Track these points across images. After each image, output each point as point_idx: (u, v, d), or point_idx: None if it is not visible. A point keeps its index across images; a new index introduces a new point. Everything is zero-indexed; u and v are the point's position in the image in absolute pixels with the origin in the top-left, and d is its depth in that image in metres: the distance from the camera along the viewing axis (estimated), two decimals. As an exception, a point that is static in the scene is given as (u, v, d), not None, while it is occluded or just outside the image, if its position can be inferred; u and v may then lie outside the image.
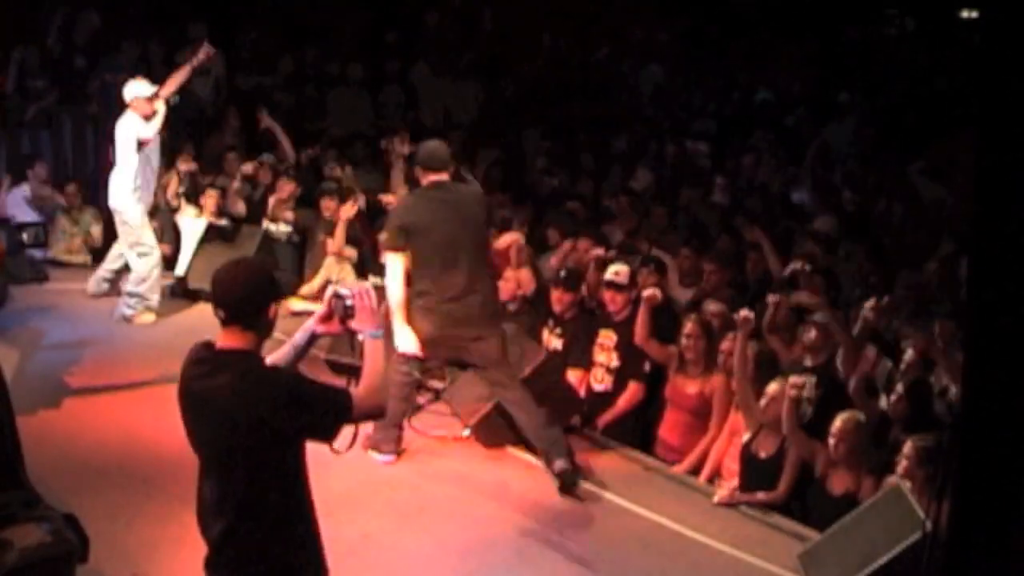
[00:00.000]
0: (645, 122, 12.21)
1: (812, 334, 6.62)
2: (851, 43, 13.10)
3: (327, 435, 3.70)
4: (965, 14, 12.73)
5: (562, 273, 7.78)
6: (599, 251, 8.08)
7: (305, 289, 9.21)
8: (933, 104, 11.18)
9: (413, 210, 6.39)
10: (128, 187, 8.71)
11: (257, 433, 3.53)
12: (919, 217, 9.27)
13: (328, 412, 3.63)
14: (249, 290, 3.64)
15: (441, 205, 6.28)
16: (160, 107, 8.78)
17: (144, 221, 8.89)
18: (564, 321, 7.56)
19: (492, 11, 13.66)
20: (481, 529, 5.99)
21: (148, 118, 8.69)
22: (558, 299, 7.55)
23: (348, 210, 9.02)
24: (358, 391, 3.70)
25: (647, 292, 7.00)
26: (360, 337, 3.82)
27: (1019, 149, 3.13)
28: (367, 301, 3.78)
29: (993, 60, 3.22)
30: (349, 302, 3.80)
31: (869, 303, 6.57)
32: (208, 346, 3.67)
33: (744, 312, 6.48)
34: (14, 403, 5.10)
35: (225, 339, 3.63)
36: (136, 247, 8.81)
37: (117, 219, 8.86)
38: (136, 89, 8.73)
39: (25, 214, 10.32)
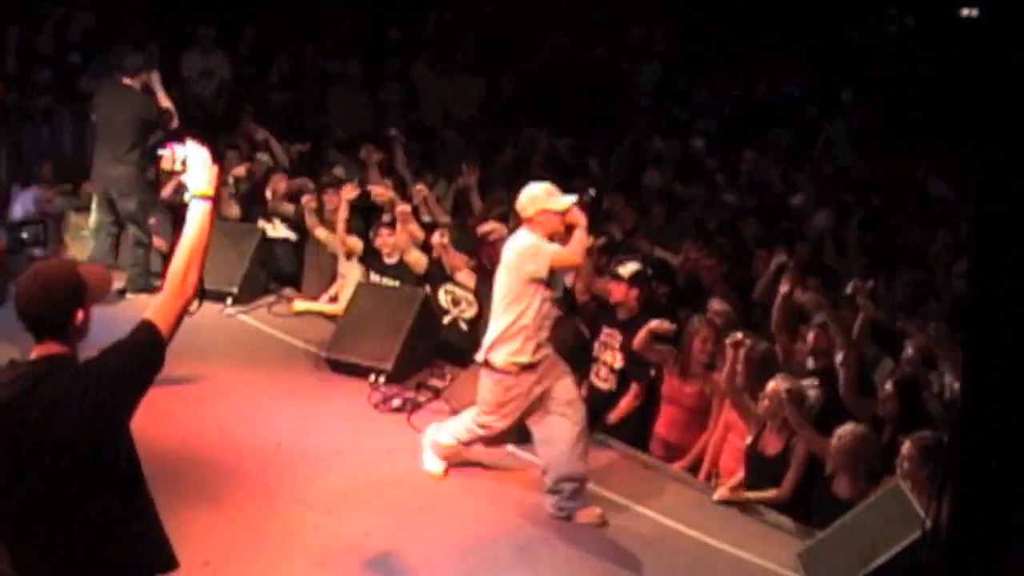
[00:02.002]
0: (645, 120, 12.21)
1: (812, 337, 6.63)
2: (851, 42, 13.10)
3: (156, 370, 3.48)
4: (965, 13, 12.72)
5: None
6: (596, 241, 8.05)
7: (330, 292, 9.23)
8: (933, 103, 11.18)
9: None
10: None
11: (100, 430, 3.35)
12: (922, 214, 9.28)
13: (144, 351, 3.44)
14: (51, 301, 3.40)
15: None
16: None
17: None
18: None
19: (492, 9, 13.66)
20: (481, 528, 5.99)
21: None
22: None
23: (350, 191, 9.01)
24: (156, 300, 3.52)
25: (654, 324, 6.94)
26: (185, 196, 3.59)
27: (1019, 149, 3.13)
28: (201, 156, 3.61)
29: (993, 59, 3.22)
30: (181, 152, 3.61)
31: (859, 290, 6.59)
32: (24, 363, 3.45)
33: (738, 335, 6.48)
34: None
35: (37, 350, 3.43)
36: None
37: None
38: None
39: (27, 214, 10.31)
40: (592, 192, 6.53)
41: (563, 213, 5.97)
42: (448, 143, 11.31)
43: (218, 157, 10.23)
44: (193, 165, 3.61)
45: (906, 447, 5.52)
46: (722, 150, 11.14)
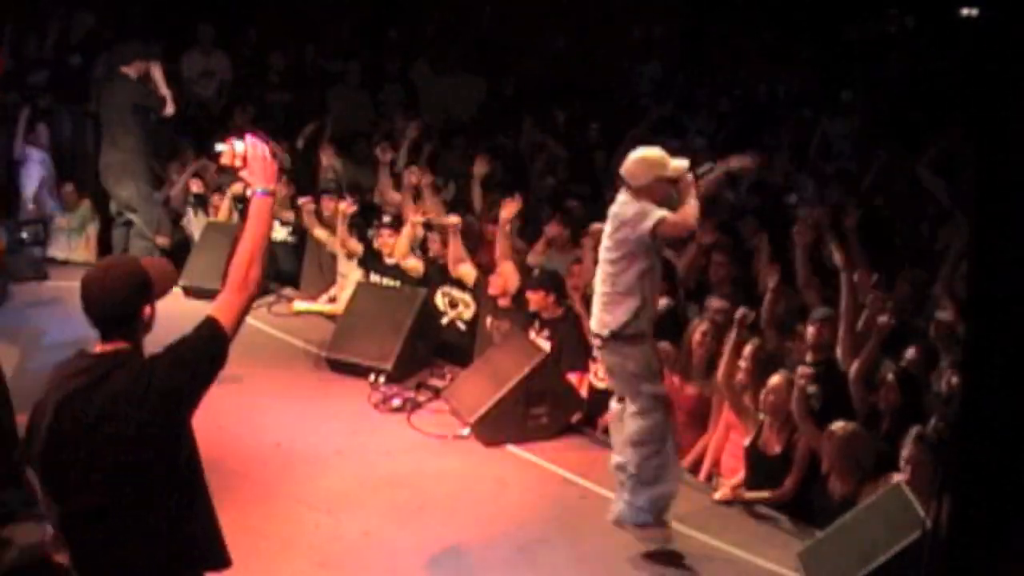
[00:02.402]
0: (645, 120, 12.19)
1: (812, 331, 6.63)
2: (851, 42, 13.09)
3: (219, 367, 3.49)
4: (965, 12, 12.71)
5: (535, 272, 7.79)
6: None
7: (331, 292, 9.22)
8: (933, 102, 11.18)
9: None
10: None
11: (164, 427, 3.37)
12: (921, 213, 9.27)
13: (207, 347, 3.47)
14: (114, 303, 3.45)
15: None
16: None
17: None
18: (548, 321, 7.56)
19: (492, 9, 13.65)
20: (481, 528, 5.99)
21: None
22: (532, 299, 7.54)
23: (347, 208, 9.02)
24: (219, 296, 3.55)
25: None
26: (247, 192, 3.63)
27: (1019, 149, 3.13)
28: (260, 151, 3.61)
29: (993, 58, 3.22)
30: (241, 148, 3.62)
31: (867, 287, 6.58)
32: (85, 356, 3.50)
33: (742, 310, 6.49)
34: (14, 401, 5.09)
35: (101, 345, 3.48)
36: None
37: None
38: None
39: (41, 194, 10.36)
40: (709, 165, 6.04)
41: (676, 181, 5.58)
42: (450, 143, 11.30)
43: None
44: (253, 161, 3.61)
45: (909, 442, 5.52)
46: (722, 150, 11.13)
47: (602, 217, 9.05)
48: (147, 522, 3.39)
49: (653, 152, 5.61)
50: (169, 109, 9.19)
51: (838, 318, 6.58)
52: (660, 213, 5.45)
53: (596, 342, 5.73)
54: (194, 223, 10.22)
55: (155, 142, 9.29)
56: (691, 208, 5.54)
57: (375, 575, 5.57)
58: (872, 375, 6.42)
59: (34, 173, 10.39)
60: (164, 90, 9.06)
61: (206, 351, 3.45)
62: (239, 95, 11.82)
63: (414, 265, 8.63)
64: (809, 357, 6.62)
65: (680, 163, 5.59)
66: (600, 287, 5.61)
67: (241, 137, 3.63)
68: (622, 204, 5.54)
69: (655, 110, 12.05)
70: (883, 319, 6.29)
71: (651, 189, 5.50)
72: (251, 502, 6.06)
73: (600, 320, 5.59)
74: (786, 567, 5.64)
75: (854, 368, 6.27)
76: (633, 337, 5.54)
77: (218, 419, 7.01)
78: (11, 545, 4.45)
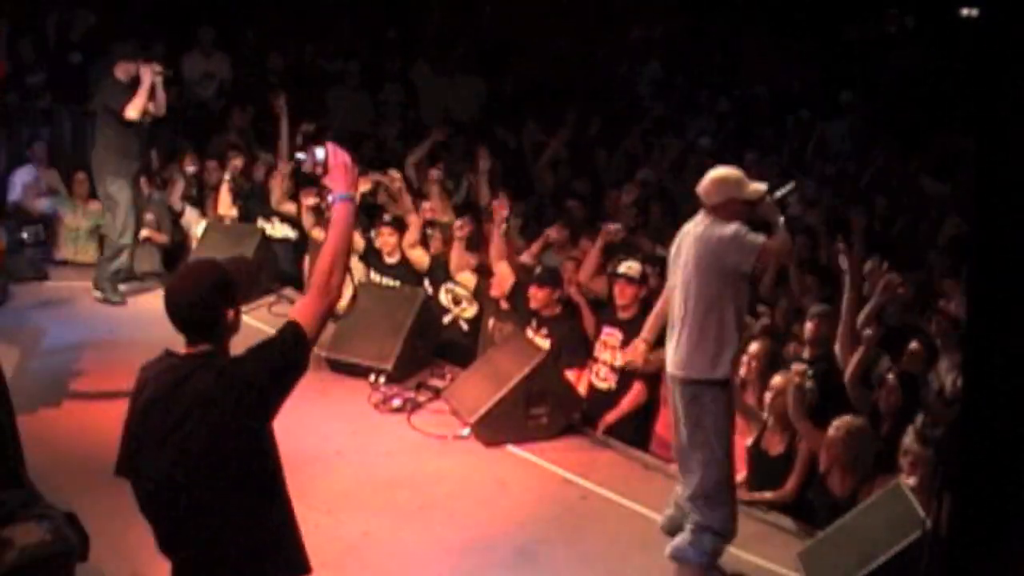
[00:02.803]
0: (645, 119, 12.20)
1: (810, 327, 6.63)
2: (851, 41, 13.10)
3: (300, 371, 3.50)
4: (965, 12, 12.71)
5: (537, 269, 7.79)
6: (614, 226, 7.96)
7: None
8: (933, 102, 11.18)
9: None
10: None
11: (243, 425, 3.42)
12: (919, 213, 9.28)
13: (290, 350, 3.47)
14: (197, 306, 3.46)
15: None
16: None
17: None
18: (548, 319, 7.56)
19: (492, 9, 13.66)
20: (481, 528, 5.99)
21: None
22: (535, 296, 7.54)
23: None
24: (301, 301, 3.61)
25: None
26: (329, 199, 3.66)
27: (1019, 149, 3.13)
28: (342, 158, 3.64)
29: (993, 59, 3.22)
30: (321, 154, 3.64)
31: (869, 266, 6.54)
32: (169, 358, 3.53)
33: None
34: (14, 401, 5.10)
35: (186, 347, 3.51)
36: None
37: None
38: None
39: (26, 198, 10.28)
40: (790, 187, 5.88)
41: (755, 203, 5.38)
42: (450, 143, 11.31)
43: (220, 156, 10.25)
44: (335, 168, 3.64)
45: (908, 440, 5.52)
46: (721, 150, 11.13)
47: (602, 216, 9.16)
48: (225, 519, 3.43)
49: (730, 172, 5.45)
50: (155, 111, 9.04)
51: (837, 314, 6.57)
52: (759, 240, 5.28)
53: (673, 383, 5.45)
54: (192, 221, 10.21)
55: (139, 144, 9.21)
56: (784, 232, 5.42)
57: (375, 575, 5.57)
58: (869, 374, 6.43)
59: (18, 182, 10.36)
60: (141, 98, 8.83)
61: (289, 354, 3.47)
62: (239, 95, 11.82)
63: (419, 256, 8.63)
64: (806, 353, 6.62)
65: (759, 186, 5.45)
66: (683, 321, 5.33)
67: (321, 144, 3.68)
68: (704, 226, 5.34)
69: (655, 110, 12.06)
70: (871, 330, 6.31)
71: (726, 208, 5.33)
72: (251, 502, 6.05)
73: (686, 361, 5.32)
74: (786, 567, 5.64)
75: (849, 371, 6.27)
76: (721, 383, 5.36)
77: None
78: (11, 545, 4.46)
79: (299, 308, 3.55)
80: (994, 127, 3.23)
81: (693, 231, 5.40)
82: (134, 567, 5.29)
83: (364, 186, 9.00)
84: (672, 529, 5.69)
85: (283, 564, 3.57)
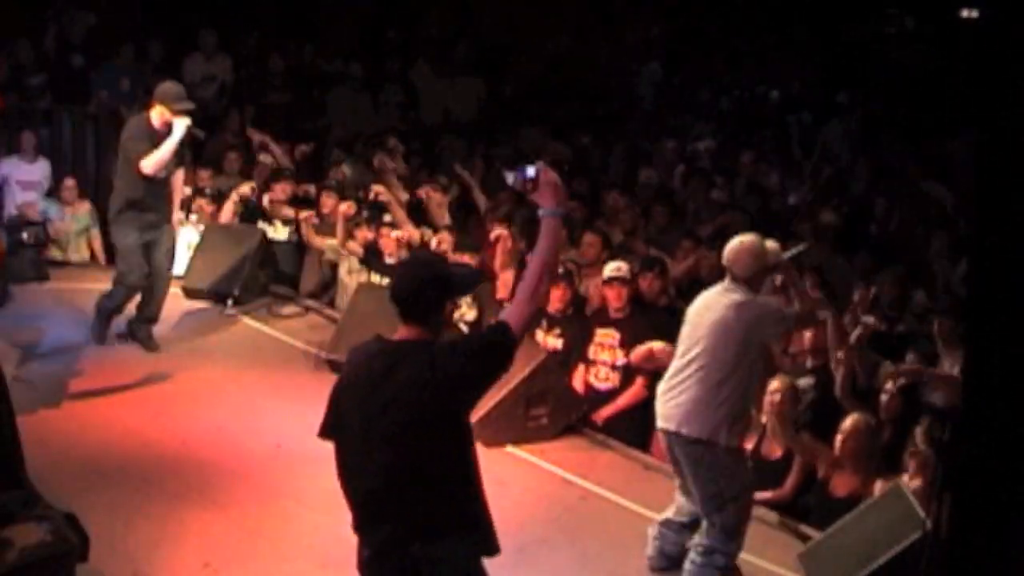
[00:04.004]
0: (645, 120, 12.22)
1: (809, 335, 6.63)
2: (850, 42, 13.11)
3: (505, 369, 3.72)
4: (965, 13, 12.72)
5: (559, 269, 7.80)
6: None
7: (330, 294, 9.23)
8: (933, 103, 11.19)
9: None
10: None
11: (448, 405, 3.61)
12: (919, 215, 9.28)
13: (499, 350, 3.66)
14: (419, 290, 3.66)
15: None
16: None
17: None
18: (561, 320, 7.56)
19: (492, 10, 13.66)
20: (481, 528, 5.98)
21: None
22: (552, 296, 7.54)
23: (347, 209, 9.03)
24: (512, 305, 3.76)
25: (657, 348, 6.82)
26: (540, 213, 3.79)
27: (1019, 149, 3.13)
28: (551, 176, 3.76)
29: (993, 59, 3.22)
30: (531, 173, 3.75)
31: (863, 299, 6.56)
32: (380, 341, 3.74)
33: None
34: (14, 402, 5.10)
35: (402, 332, 3.69)
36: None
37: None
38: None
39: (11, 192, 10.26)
40: (802, 247, 5.91)
41: (775, 269, 5.50)
42: (449, 145, 11.31)
43: (218, 159, 10.21)
44: (545, 185, 3.75)
45: (916, 442, 5.52)
46: (721, 151, 11.14)
47: (599, 217, 9.16)
48: (425, 500, 3.61)
49: (755, 241, 5.42)
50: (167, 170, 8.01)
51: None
52: (790, 313, 5.39)
53: (668, 438, 5.37)
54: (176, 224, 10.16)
55: (153, 196, 7.96)
56: (807, 296, 5.53)
57: None
58: (872, 380, 6.44)
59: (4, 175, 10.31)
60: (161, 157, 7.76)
61: (497, 350, 3.65)
62: (239, 97, 11.83)
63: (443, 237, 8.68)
64: (809, 362, 6.63)
65: (775, 246, 5.50)
66: (694, 377, 5.25)
67: (531, 163, 3.80)
68: (727, 292, 5.31)
69: (654, 111, 12.08)
70: (868, 320, 6.31)
71: (757, 279, 5.36)
72: (251, 502, 6.06)
73: (693, 419, 5.23)
74: (786, 568, 5.64)
75: (837, 383, 6.28)
76: (735, 450, 5.32)
77: (218, 420, 7.03)
78: (11, 546, 4.46)
79: (509, 311, 3.75)
80: (995, 128, 3.23)
81: (716, 293, 5.37)
82: (134, 567, 5.30)
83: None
84: (662, 564, 5.60)
85: (481, 543, 3.73)
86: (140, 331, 8.18)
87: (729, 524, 5.31)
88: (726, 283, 5.38)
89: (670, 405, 5.33)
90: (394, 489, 3.64)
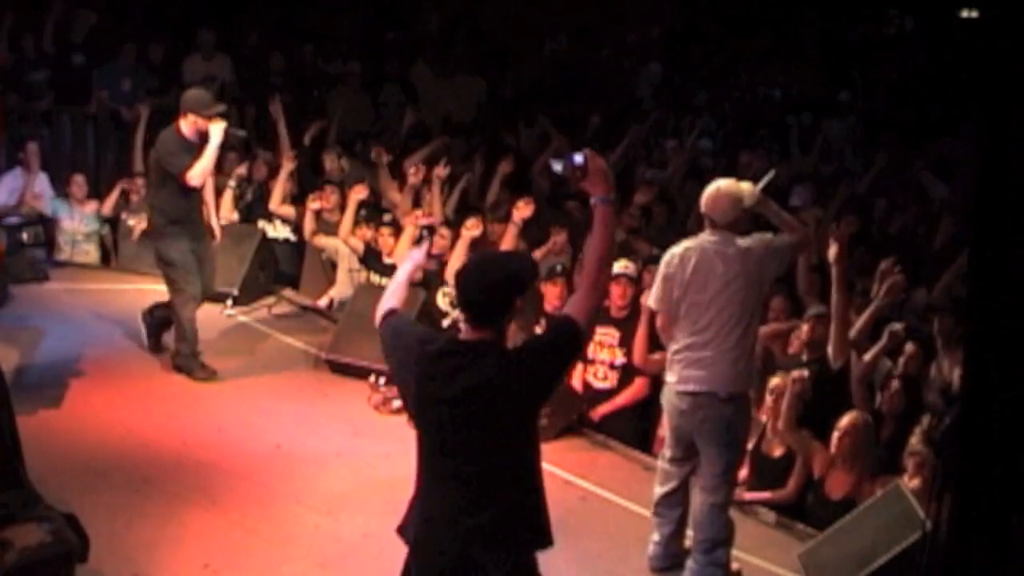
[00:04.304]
0: (645, 121, 12.20)
1: (806, 328, 6.62)
2: (851, 43, 13.10)
3: (574, 362, 3.78)
4: (965, 14, 12.73)
5: (558, 267, 7.79)
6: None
7: (331, 293, 9.23)
8: (933, 104, 11.19)
9: None
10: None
11: (525, 401, 3.60)
12: (921, 213, 9.29)
13: (567, 345, 3.66)
14: (490, 293, 3.63)
15: None
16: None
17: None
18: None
19: (492, 10, 13.66)
20: (481, 529, 5.98)
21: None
22: (549, 293, 7.53)
23: (359, 191, 9.00)
24: (574, 297, 3.76)
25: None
26: (592, 201, 3.76)
27: (1019, 149, 3.14)
28: (600, 163, 3.74)
29: (993, 60, 3.22)
30: (580, 160, 3.73)
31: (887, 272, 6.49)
32: (451, 340, 3.71)
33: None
34: (14, 403, 5.10)
35: (470, 333, 3.66)
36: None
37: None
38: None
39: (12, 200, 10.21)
40: (771, 175, 5.74)
41: (753, 206, 5.40)
42: (450, 145, 11.30)
43: (218, 159, 10.23)
44: (594, 173, 3.73)
45: (914, 442, 5.52)
46: (721, 151, 11.14)
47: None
48: (489, 491, 3.60)
49: (729, 184, 5.42)
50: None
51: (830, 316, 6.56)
52: (787, 240, 5.35)
53: (696, 401, 5.29)
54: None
55: (196, 205, 7.92)
56: (796, 224, 5.51)
57: (375, 576, 5.57)
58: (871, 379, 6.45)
59: (4, 188, 10.27)
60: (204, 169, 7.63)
61: (566, 347, 3.66)
62: (239, 97, 11.82)
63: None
64: (804, 355, 6.62)
65: (750, 187, 5.45)
66: (713, 338, 5.23)
67: (578, 151, 3.78)
68: (722, 242, 5.28)
69: (655, 111, 12.06)
70: (896, 328, 6.30)
71: (738, 222, 5.34)
72: (251, 503, 6.06)
73: (725, 376, 5.23)
74: (786, 568, 5.64)
75: (858, 370, 6.25)
76: (747, 397, 5.40)
77: (218, 420, 7.03)
78: (11, 547, 4.46)
79: (573, 304, 3.71)
80: (995, 127, 3.23)
81: (710, 248, 5.30)
82: (134, 568, 5.29)
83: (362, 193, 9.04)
84: (663, 564, 5.59)
85: (539, 537, 3.75)
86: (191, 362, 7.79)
87: (726, 500, 5.36)
88: (708, 233, 5.35)
89: (696, 367, 5.27)
90: (459, 491, 3.62)
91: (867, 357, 6.24)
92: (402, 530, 3.78)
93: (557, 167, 3.79)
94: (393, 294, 4.04)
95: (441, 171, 9.27)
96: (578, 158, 3.73)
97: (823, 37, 13.10)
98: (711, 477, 5.35)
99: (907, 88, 11.94)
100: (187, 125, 7.60)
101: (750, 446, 6.32)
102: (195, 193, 7.76)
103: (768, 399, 6.28)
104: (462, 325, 3.68)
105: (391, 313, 3.93)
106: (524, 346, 3.70)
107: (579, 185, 3.77)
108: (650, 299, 5.67)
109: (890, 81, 12.21)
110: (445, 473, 3.65)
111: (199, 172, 7.54)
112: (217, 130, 7.53)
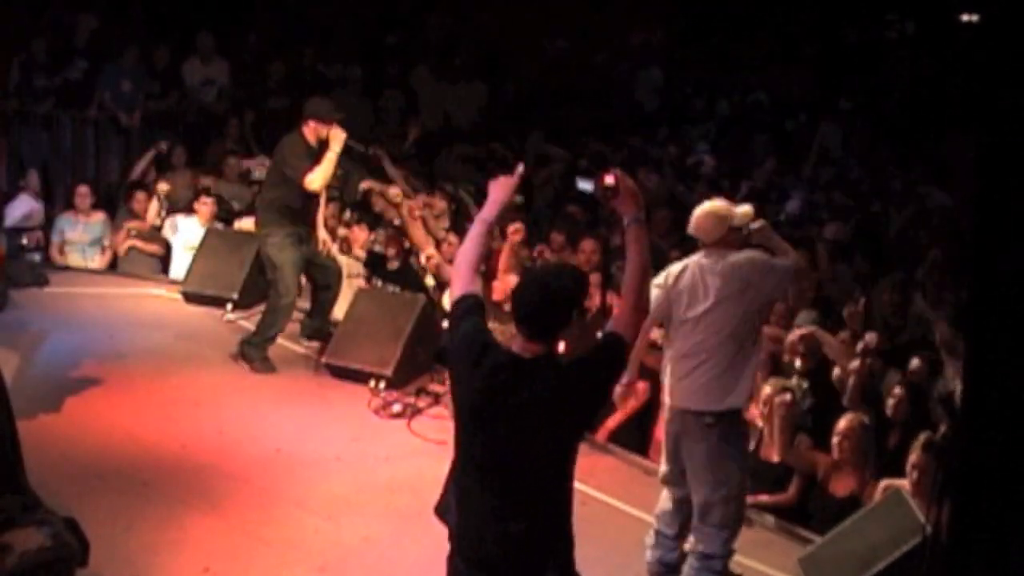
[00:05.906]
0: (645, 124, 12.22)
1: (795, 337, 6.64)
2: (851, 47, 13.12)
3: (619, 377, 3.78)
4: (965, 18, 12.74)
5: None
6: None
7: None
8: (933, 108, 11.20)
9: None
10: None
11: (573, 419, 3.63)
12: (919, 219, 9.30)
13: (616, 362, 3.70)
14: (550, 309, 3.62)
15: None
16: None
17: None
18: None
19: (493, 15, 13.67)
20: (481, 533, 5.97)
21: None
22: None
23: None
24: (618, 315, 3.80)
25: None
26: (625, 221, 3.78)
27: (1019, 151, 3.14)
28: (630, 184, 3.75)
29: (993, 64, 3.22)
30: (610, 180, 3.74)
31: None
32: (508, 354, 3.67)
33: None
34: (14, 407, 5.10)
35: (526, 347, 3.64)
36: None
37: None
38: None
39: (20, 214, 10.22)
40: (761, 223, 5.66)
41: (741, 228, 5.35)
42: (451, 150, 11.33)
43: (217, 163, 10.22)
44: (625, 193, 3.76)
45: (916, 454, 5.53)
46: (721, 155, 11.16)
47: (600, 218, 9.17)
48: (528, 506, 3.64)
49: (717, 205, 5.39)
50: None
51: (825, 323, 6.61)
52: (785, 264, 5.31)
53: (685, 418, 5.27)
54: (170, 230, 10.18)
55: (308, 206, 7.99)
56: (791, 250, 5.45)
57: (375, 580, 5.57)
58: (875, 386, 6.46)
59: (16, 213, 10.26)
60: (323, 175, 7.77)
61: (615, 364, 3.71)
62: (239, 102, 11.83)
63: (432, 253, 8.70)
64: (798, 364, 6.63)
65: (746, 209, 5.44)
66: (709, 353, 5.19)
67: (608, 171, 3.80)
68: (715, 260, 5.25)
69: (654, 115, 12.08)
70: (870, 339, 6.33)
71: (726, 241, 5.29)
72: (251, 507, 6.06)
73: (724, 393, 5.19)
74: (786, 572, 5.63)
75: (848, 392, 6.30)
76: (739, 416, 5.32)
77: (218, 424, 7.03)
78: (11, 551, 4.46)
79: (618, 322, 3.75)
80: (995, 132, 3.24)
81: (703, 265, 5.28)
82: (134, 572, 5.29)
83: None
84: (661, 570, 5.56)
85: (561, 560, 3.81)
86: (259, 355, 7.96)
87: (728, 517, 5.25)
88: (701, 254, 5.33)
89: (694, 384, 5.23)
90: (499, 500, 3.65)
91: (853, 382, 6.30)
92: (440, 512, 3.89)
93: (587, 187, 3.83)
94: (469, 266, 3.97)
95: (437, 202, 9.32)
96: (609, 179, 3.75)
97: (824, 42, 13.11)
98: (699, 506, 5.30)
99: (907, 93, 11.95)
100: (310, 132, 7.75)
101: (750, 448, 6.32)
102: (309, 200, 7.89)
103: (762, 407, 6.28)
104: (522, 340, 3.63)
105: (464, 302, 3.88)
106: (576, 362, 3.68)
107: (609, 204, 3.80)
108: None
109: (890, 86, 12.21)
110: (484, 483, 3.68)
111: (319, 176, 7.69)
112: (338, 137, 7.69)
